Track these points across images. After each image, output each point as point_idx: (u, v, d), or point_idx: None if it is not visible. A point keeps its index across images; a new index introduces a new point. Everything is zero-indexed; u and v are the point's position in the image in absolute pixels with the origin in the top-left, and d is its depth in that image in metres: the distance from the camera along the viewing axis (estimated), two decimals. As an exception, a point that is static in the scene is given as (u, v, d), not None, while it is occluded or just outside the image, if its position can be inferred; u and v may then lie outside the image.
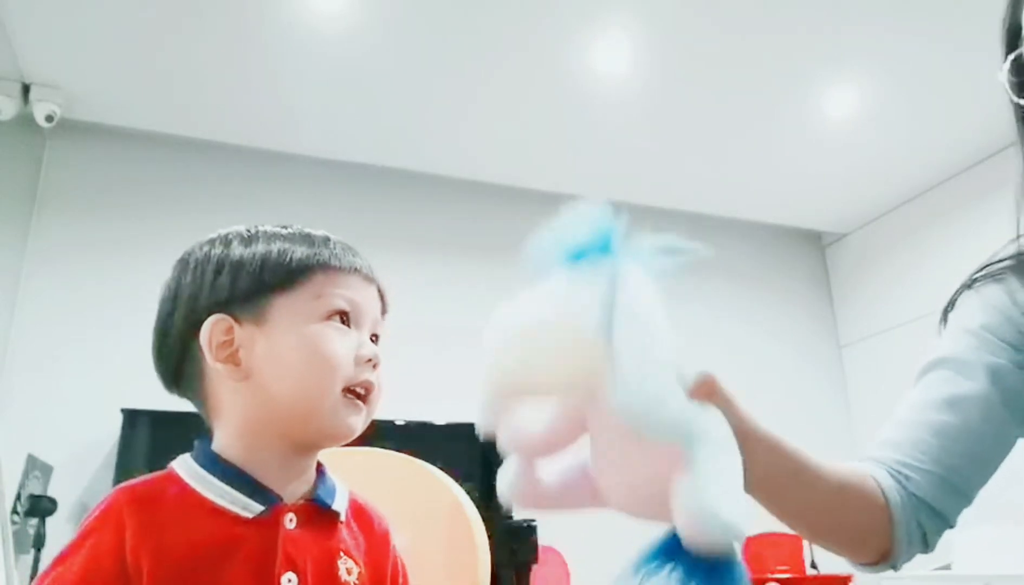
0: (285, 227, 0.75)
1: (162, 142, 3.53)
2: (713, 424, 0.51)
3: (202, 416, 0.73)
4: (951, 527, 0.74)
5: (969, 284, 0.82)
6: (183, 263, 0.73)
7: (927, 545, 0.73)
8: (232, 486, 0.66)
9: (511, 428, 0.54)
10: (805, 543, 3.44)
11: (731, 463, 0.50)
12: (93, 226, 3.34)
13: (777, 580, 3.27)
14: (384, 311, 0.77)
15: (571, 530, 3.05)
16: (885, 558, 0.72)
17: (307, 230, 0.75)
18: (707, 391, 0.53)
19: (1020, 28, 0.78)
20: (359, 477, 0.79)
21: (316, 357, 0.68)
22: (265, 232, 0.73)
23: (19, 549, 2.57)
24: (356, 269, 0.73)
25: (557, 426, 0.54)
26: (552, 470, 0.57)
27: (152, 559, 0.61)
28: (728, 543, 0.47)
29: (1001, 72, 0.79)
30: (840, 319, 4.62)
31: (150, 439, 2.81)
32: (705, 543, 0.46)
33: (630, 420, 0.47)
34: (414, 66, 3.11)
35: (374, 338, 0.75)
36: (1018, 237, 0.81)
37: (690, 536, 0.46)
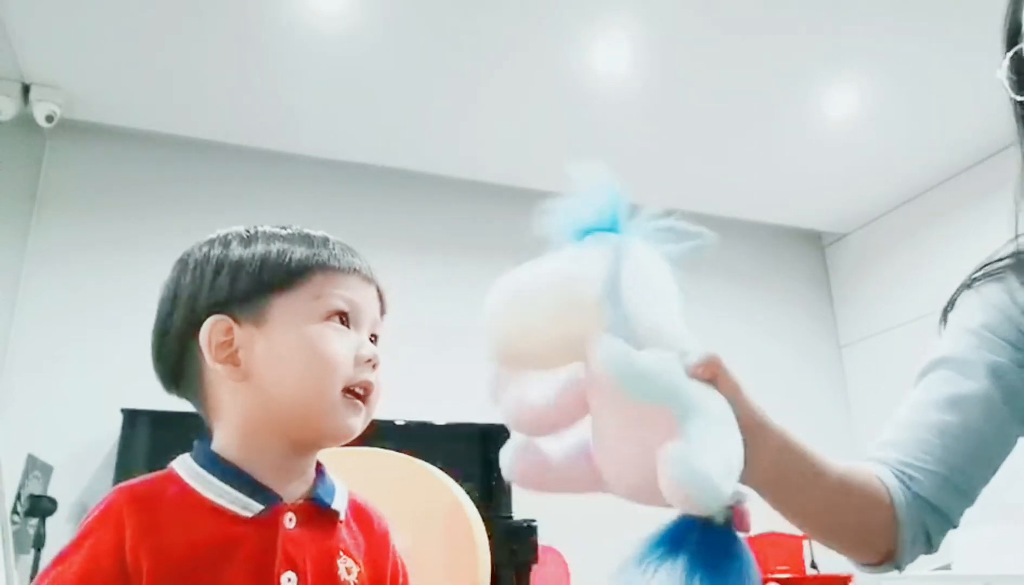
0: (284, 227, 0.75)
1: (162, 142, 3.53)
2: (711, 399, 0.51)
3: (201, 416, 0.73)
4: (954, 527, 0.74)
5: (969, 284, 0.82)
6: (182, 263, 0.73)
7: (931, 545, 0.73)
8: (232, 485, 0.67)
9: (513, 403, 0.54)
10: (805, 543, 3.44)
11: (726, 435, 0.50)
12: (93, 226, 3.34)
13: (777, 580, 3.27)
14: (383, 311, 0.77)
15: (571, 530, 3.05)
16: (889, 558, 0.72)
17: (306, 230, 0.75)
18: (710, 372, 0.53)
19: (1020, 26, 0.78)
20: (359, 477, 0.79)
21: (315, 357, 0.68)
22: (264, 233, 0.73)
23: (19, 549, 2.57)
24: (355, 269, 0.73)
25: (560, 402, 0.53)
26: (554, 448, 0.56)
27: (152, 558, 0.61)
28: (714, 509, 0.46)
29: (1001, 69, 0.79)
30: (840, 319, 4.63)
31: (150, 439, 2.81)
32: (689, 505, 0.45)
33: (612, 371, 0.46)
34: (414, 66, 3.11)
35: (373, 338, 0.75)
36: (1017, 236, 0.81)
37: (673, 498, 0.45)
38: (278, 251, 0.71)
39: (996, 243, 0.83)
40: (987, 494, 0.75)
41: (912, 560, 0.73)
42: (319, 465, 0.74)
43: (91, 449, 3.01)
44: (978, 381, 0.74)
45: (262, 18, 2.85)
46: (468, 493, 1.05)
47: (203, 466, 0.68)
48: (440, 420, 3.21)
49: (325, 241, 0.74)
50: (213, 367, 0.69)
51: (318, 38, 2.96)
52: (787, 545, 3.35)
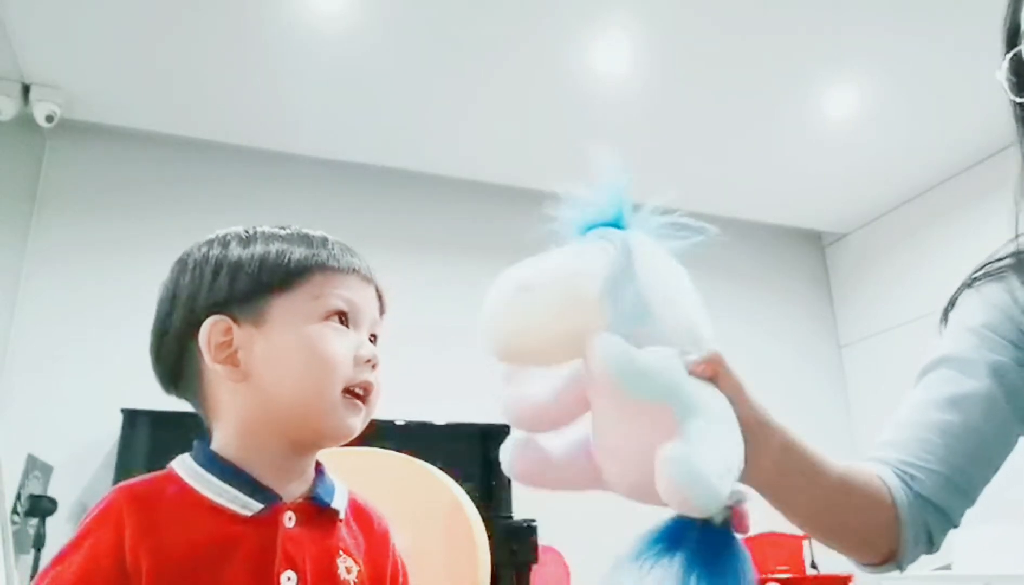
0: (283, 228, 0.75)
1: (162, 142, 3.53)
2: (712, 398, 0.51)
3: (200, 417, 0.73)
4: (955, 527, 0.74)
5: (969, 283, 0.82)
6: (181, 264, 0.73)
7: (932, 545, 0.72)
8: (231, 484, 0.67)
9: (514, 399, 0.53)
10: (805, 543, 3.44)
11: (726, 434, 0.49)
12: (93, 226, 3.34)
13: (777, 580, 3.27)
14: (382, 311, 0.77)
15: (571, 530, 3.05)
16: (891, 558, 0.72)
17: (305, 231, 0.75)
18: (712, 370, 0.52)
19: (1020, 27, 0.78)
20: (359, 477, 0.79)
21: (315, 357, 0.68)
22: (263, 233, 0.73)
23: (19, 549, 2.57)
24: (354, 269, 0.73)
25: (560, 399, 0.53)
26: (555, 445, 0.56)
27: (151, 558, 0.61)
28: (710, 511, 0.46)
29: (1000, 71, 0.79)
30: (840, 319, 4.62)
31: (150, 439, 2.81)
32: (685, 506, 0.45)
33: (611, 369, 0.45)
34: (414, 66, 3.11)
35: (372, 338, 0.75)
36: (1017, 236, 0.81)
37: (669, 498, 0.45)
38: (277, 251, 0.71)
39: (996, 243, 0.83)
40: (987, 494, 0.75)
41: (914, 560, 0.72)
42: (318, 464, 0.74)
43: (91, 449, 3.00)
44: (979, 380, 0.74)
45: (262, 18, 2.85)
46: (468, 493, 1.05)
47: (202, 465, 0.68)
48: (440, 420, 3.21)
49: (324, 241, 0.74)
50: (212, 367, 0.69)
51: (318, 38, 2.96)
52: (787, 545, 3.35)
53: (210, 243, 0.73)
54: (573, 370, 0.52)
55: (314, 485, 0.72)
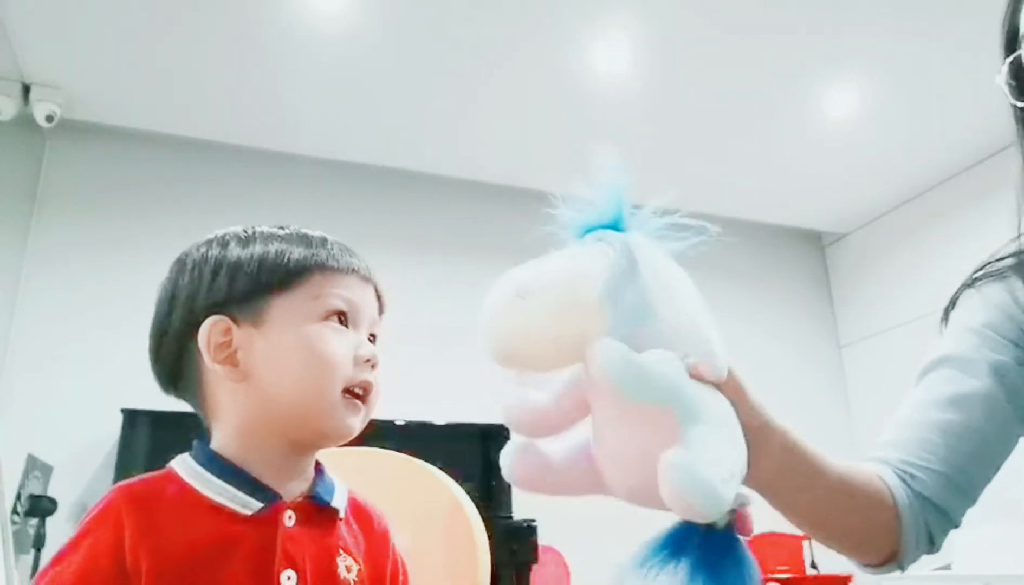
0: (282, 228, 0.75)
1: (162, 142, 3.53)
2: (713, 400, 0.50)
3: (200, 417, 0.73)
4: (956, 527, 0.73)
5: (970, 283, 0.82)
6: (180, 264, 0.73)
7: (933, 545, 0.72)
8: (231, 483, 0.67)
9: (514, 404, 0.53)
10: (805, 543, 3.44)
11: (729, 437, 0.49)
12: (93, 226, 3.34)
13: (777, 580, 3.27)
14: (381, 311, 0.77)
15: (571, 530, 3.05)
16: (892, 559, 0.71)
17: (304, 231, 0.75)
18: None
19: (1018, 31, 0.78)
20: (359, 477, 0.79)
21: (314, 357, 0.68)
22: (262, 233, 0.73)
23: (19, 549, 2.57)
24: (353, 269, 0.73)
25: (560, 403, 0.52)
26: (555, 450, 0.55)
27: (151, 558, 0.61)
28: (714, 517, 0.45)
29: (1000, 75, 0.79)
30: (840, 319, 4.62)
31: (150, 439, 2.80)
32: (689, 512, 0.44)
33: (611, 373, 0.45)
34: (414, 66, 3.11)
35: (372, 338, 0.75)
36: (1019, 235, 0.81)
37: (674, 505, 0.44)
38: (276, 251, 0.71)
39: (996, 243, 0.83)
40: (988, 494, 0.74)
41: (915, 560, 0.72)
42: (318, 464, 0.74)
43: (91, 449, 3.00)
44: (981, 380, 0.74)
45: (262, 18, 2.85)
46: (468, 493, 1.05)
47: (202, 465, 0.68)
48: (440, 420, 3.21)
49: (323, 241, 0.74)
50: (212, 368, 0.69)
51: (318, 38, 2.96)
52: (787, 545, 3.35)
53: (209, 243, 0.73)
54: (573, 375, 0.52)
55: (314, 484, 0.72)
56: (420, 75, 3.17)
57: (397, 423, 2.94)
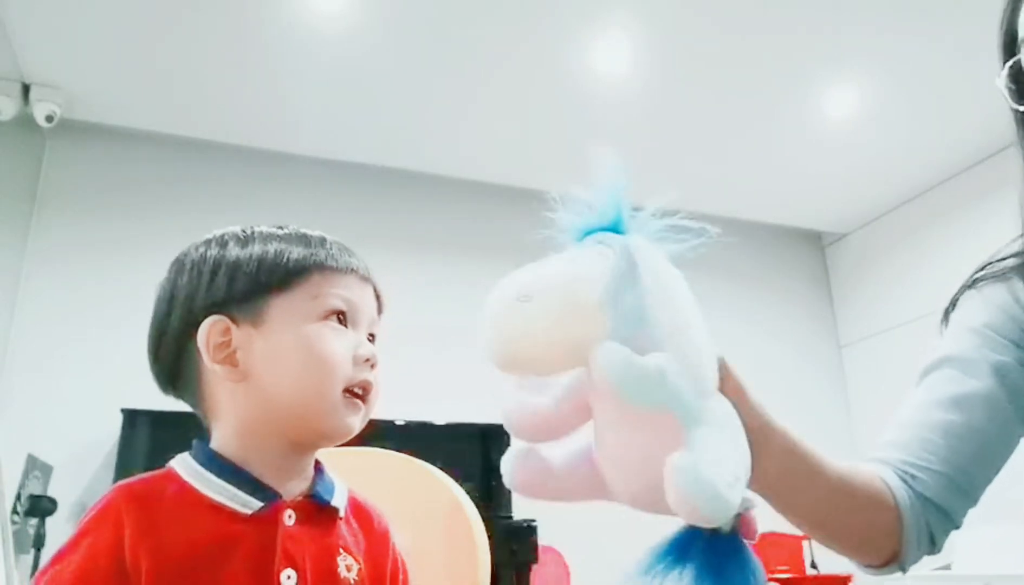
0: (281, 227, 0.74)
1: (162, 142, 3.53)
2: (716, 403, 0.50)
3: (199, 417, 0.73)
4: (957, 527, 0.73)
5: (971, 284, 0.82)
6: (179, 264, 0.73)
7: (935, 546, 0.72)
8: (231, 483, 0.67)
9: (514, 409, 0.52)
10: (805, 543, 3.44)
11: (732, 441, 0.49)
12: (93, 226, 3.34)
13: (777, 580, 3.27)
14: (380, 311, 0.76)
15: (571, 530, 3.05)
16: (893, 559, 0.71)
17: (303, 230, 0.75)
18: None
19: (1016, 34, 0.78)
20: (359, 477, 0.79)
21: (314, 357, 0.68)
22: (261, 233, 0.73)
23: (19, 549, 2.57)
24: (352, 269, 0.73)
25: (561, 408, 0.52)
26: (557, 455, 0.55)
27: (151, 557, 0.61)
28: (721, 521, 0.45)
29: (999, 79, 0.79)
30: (840, 319, 4.62)
31: (150, 439, 2.81)
32: (696, 517, 0.44)
33: (614, 377, 0.45)
34: (414, 66, 3.11)
35: (371, 338, 0.75)
36: (1021, 236, 0.81)
37: (680, 510, 0.44)
38: (275, 251, 0.71)
39: (996, 243, 0.83)
40: (988, 494, 0.74)
41: (916, 561, 0.72)
42: (318, 463, 0.74)
43: (91, 449, 3.00)
44: (982, 380, 0.74)
45: (262, 18, 2.85)
46: (468, 493, 1.05)
47: (202, 464, 0.68)
48: (440, 420, 3.21)
49: (322, 241, 0.74)
50: (211, 368, 0.69)
51: (318, 38, 2.96)
52: (787, 545, 3.35)
53: (207, 243, 0.73)
54: (572, 379, 0.52)
55: (313, 483, 0.72)
56: (420, 75, 3.17)
57: (397, 423, 2.94)
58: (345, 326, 0.71)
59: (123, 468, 2.73)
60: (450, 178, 3.93)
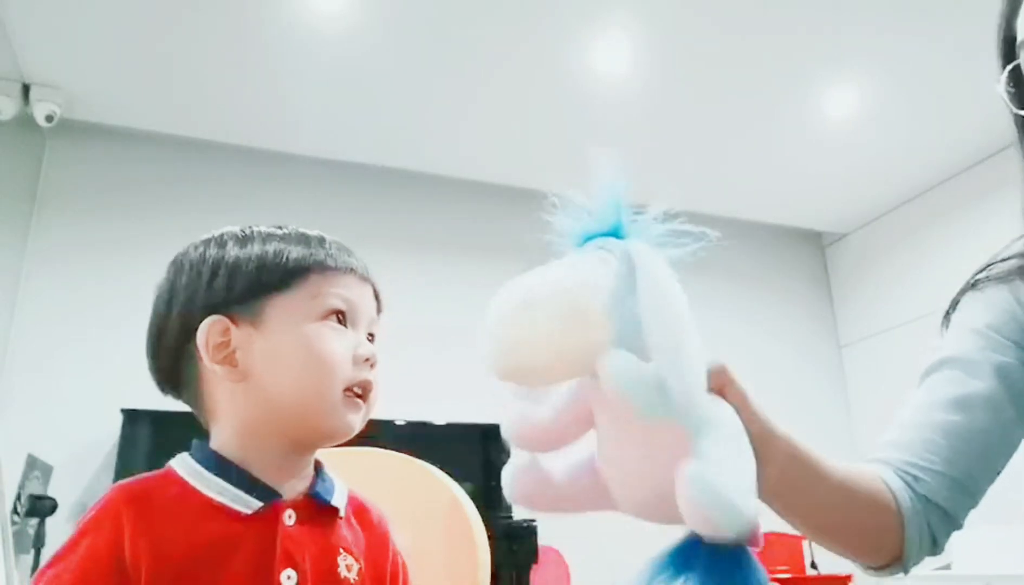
0: (280, 227, 0.74)
1: (162, 142, 3.53)
2: (723, 413, 0.50)
3: (198, 417, 0.73)
4: (959, 528, 0.73)
5: (972, 285, 0.82)
6: (177, 264, 0.73)
7: (937, 547, 0.72)
8: (231, 482, 0.66)
9: (515, 419, 0.52)
10: (805, 543, 3.44)
11: (742, 450, 0.48)
12: (93, 226, 3.34)
13: (777, 580, 3.27)
14: (379, 310, 0.76)
15: (571, 530, 3.05)
16: (895, 560, 0.71)
17: (302, 230, 0.75)
18: (718, 382, 0.52)
19: (1015, 39, 0.78)
20: (359, 477, 0.79)
21: (313, 357, 0.68)
22: (260, 233, 0.73)
23: (19, 549, 2.57)
24: (351, 269, 0.73)
25: (563, 417, 0.51)
26: (557, 466, 0.54)
27: (151, 557, 0.61)
28: (737, 531, 0.44)
29: (999, 83, 0.79)
30: (840, 319, 4.62)
31: (150, 439, 2.81)
32: (711, 529, 0.43)
33: (621, 386, 0.44)
34: (414, 66, 3.11)
35: (370, 337, 0.74)
36: (1022, 236, 0.81)
37: (694, 522, 0.43)
38: (275, 251, 0.71)
39: (996, 243, 0.83)
40: (988, 494, 0.74)
41: (918, 562, 0.71)
42: (317, 462, 0.74)
43: (91, 449, 3.01)
44: (984, 381, 0.74)
45: (262, 18, 2.85)
46: (468, 493, 1.05)
47: (202, 464, 0.68)
48: (440, 420, 3.21)
49: (321, 241, 0.74)
50: (211, 368, 0.68)
51: (318, 38, 2.96)
52: (787, 545, 3.35)
53: (206, 243, 0.73)
54: (572, 388, 0.51)
55: (314, 483, 0.72)
56: (420, 75, 3.17)
57: (397, 423, 2.95)
58: (344, 326, 0.71)
59: (123, 468, 2.73)
60: (450, 178, 3.93)
